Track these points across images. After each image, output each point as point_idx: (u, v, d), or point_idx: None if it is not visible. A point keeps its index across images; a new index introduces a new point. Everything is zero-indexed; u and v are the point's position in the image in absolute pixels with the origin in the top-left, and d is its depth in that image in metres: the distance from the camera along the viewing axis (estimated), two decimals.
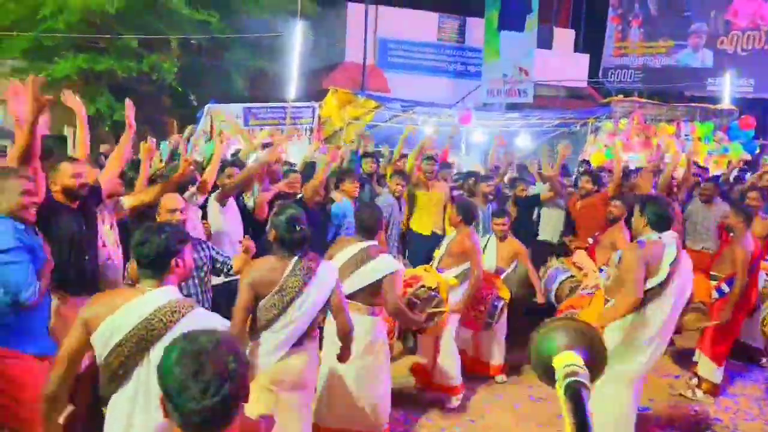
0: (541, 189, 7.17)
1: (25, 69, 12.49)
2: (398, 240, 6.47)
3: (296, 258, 3.22)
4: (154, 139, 4.98)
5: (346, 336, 3.41)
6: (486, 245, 5.80)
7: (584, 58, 19.89)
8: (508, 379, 5.55)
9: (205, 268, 3.74)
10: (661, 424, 4.92)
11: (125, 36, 12.04)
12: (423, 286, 4.55)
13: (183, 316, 2.37)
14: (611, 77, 18.06)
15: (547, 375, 1.44)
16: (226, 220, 5.11)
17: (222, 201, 5.07)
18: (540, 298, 5.57)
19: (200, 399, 1.43)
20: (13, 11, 11.83)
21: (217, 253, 3.87)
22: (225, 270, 3.83)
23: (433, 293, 4.53)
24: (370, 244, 3.98)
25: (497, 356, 5.52)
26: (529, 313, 5.78)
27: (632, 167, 9.89)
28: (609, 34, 18.08)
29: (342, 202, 5.85)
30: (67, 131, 11.05)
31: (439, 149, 8.45)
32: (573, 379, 1.34)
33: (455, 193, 6.99)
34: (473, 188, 6.95)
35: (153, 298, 2.41)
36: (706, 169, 9.96)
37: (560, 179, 7.18)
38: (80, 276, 3.53)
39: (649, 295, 3.71)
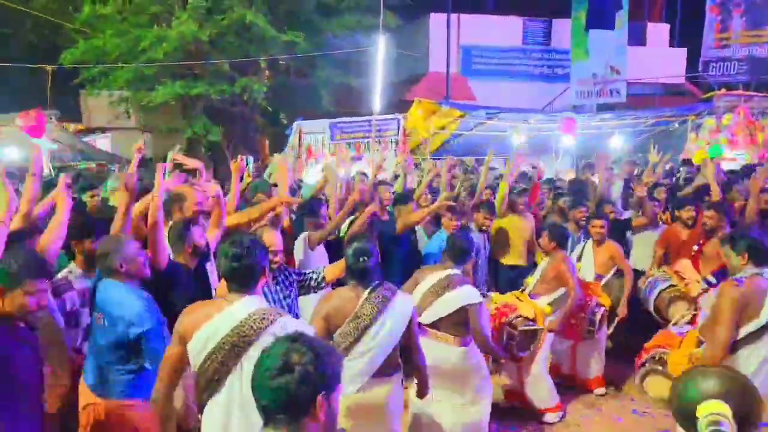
0: (632, 214, 6.51)
1: (129, 98, 13.40)
2: (486, 273, 5.99)
3: (370, 287, 3.22)
4: (243, 157, 5.13)
5: (419, 373, 3.42)
6: (582, 252, 5.63)
7: (681, 53, 18.95)
8: (608, 391, 5.27)
9: (291, 296, 3.69)
10: None
11: (217, 61, 12.64)
12: (519, 316, 4.40)
13: (271, 322, 2.46)
14: (712, 71, 17.01)
15: (688, 422, 1.40)
16: (313, 255, 4.91)
17: (312, 246, 4.86)
18: (622, 311, 5.35)
19: (266, 377, 1.57)
20: (117, 46, 12.73)
21: (303, 272, 3.80)
22: (317, 284, 3.74)
23: (530, 323, 4.39)
24: (455, 272, 3.91)
25: (595, 368, 5.25)
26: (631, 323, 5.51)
27: (737, 166, 9.23)
28: (708, 26, 17.08)
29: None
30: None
31: (532, 157, 7.97)
32: (714, 428, 1.31)
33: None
34: (566, 211, 6.35)
35: (243, 306, 2.51)
36: None
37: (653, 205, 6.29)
38: None
39: (745, 340, 3.37)
